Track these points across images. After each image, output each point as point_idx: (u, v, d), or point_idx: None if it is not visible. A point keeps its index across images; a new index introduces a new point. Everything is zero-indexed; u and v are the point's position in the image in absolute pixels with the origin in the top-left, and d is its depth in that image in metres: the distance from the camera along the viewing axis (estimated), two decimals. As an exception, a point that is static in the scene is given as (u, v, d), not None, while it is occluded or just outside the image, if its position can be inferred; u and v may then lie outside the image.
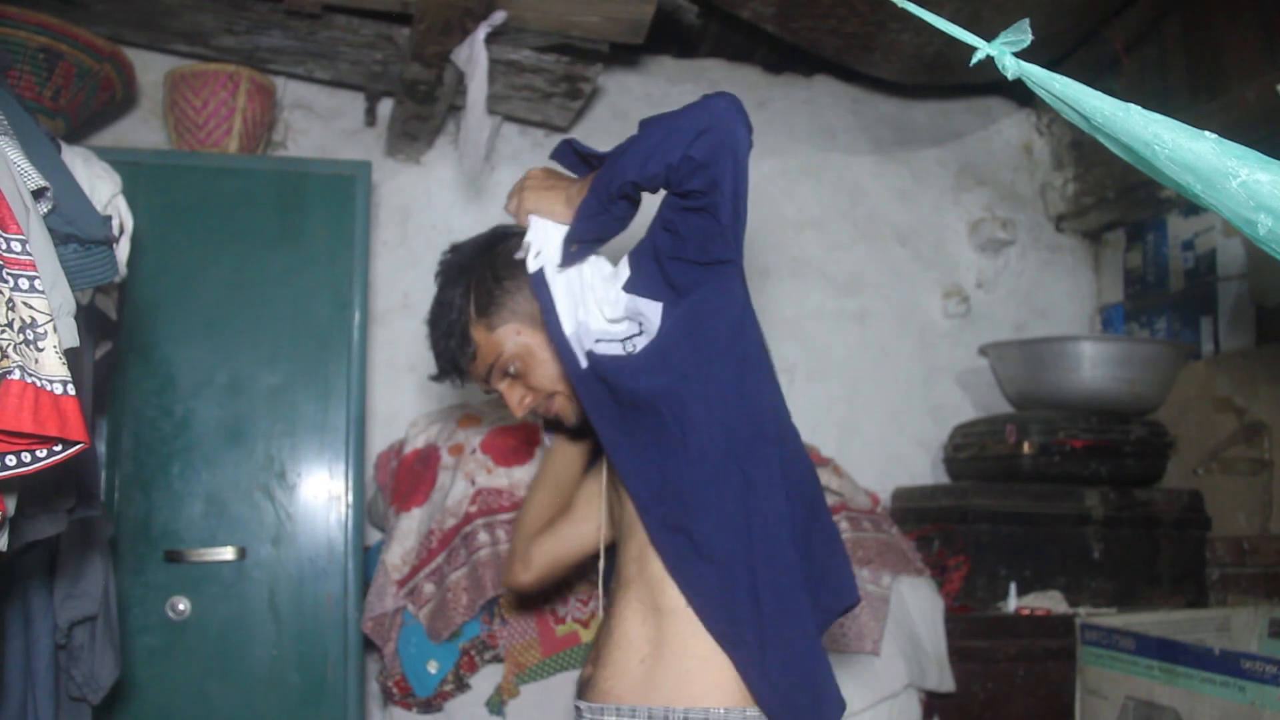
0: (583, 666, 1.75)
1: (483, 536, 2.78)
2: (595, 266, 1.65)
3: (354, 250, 2.88)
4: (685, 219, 1.53)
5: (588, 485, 1.95)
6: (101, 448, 2.66)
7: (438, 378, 1.81)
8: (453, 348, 1.75)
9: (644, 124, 1.56)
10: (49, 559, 2.03)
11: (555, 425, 1.89)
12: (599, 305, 1.61)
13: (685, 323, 1.55)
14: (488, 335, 1.73)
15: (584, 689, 1.66)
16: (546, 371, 1.73)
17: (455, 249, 1.83)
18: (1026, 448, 3.45)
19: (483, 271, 1.76)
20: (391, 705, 2.83)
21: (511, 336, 1.73)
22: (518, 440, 2.97)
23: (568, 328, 1.62)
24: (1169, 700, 2.73)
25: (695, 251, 1.55)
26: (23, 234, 1.29)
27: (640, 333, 1.58)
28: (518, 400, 1.77)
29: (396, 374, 3.60)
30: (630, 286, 1.60)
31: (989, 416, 3.80)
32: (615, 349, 1.58)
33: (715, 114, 1.53)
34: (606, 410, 1.60)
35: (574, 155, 1.72)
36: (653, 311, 1.56)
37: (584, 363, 1.61)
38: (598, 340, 1.60)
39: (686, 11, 3.55)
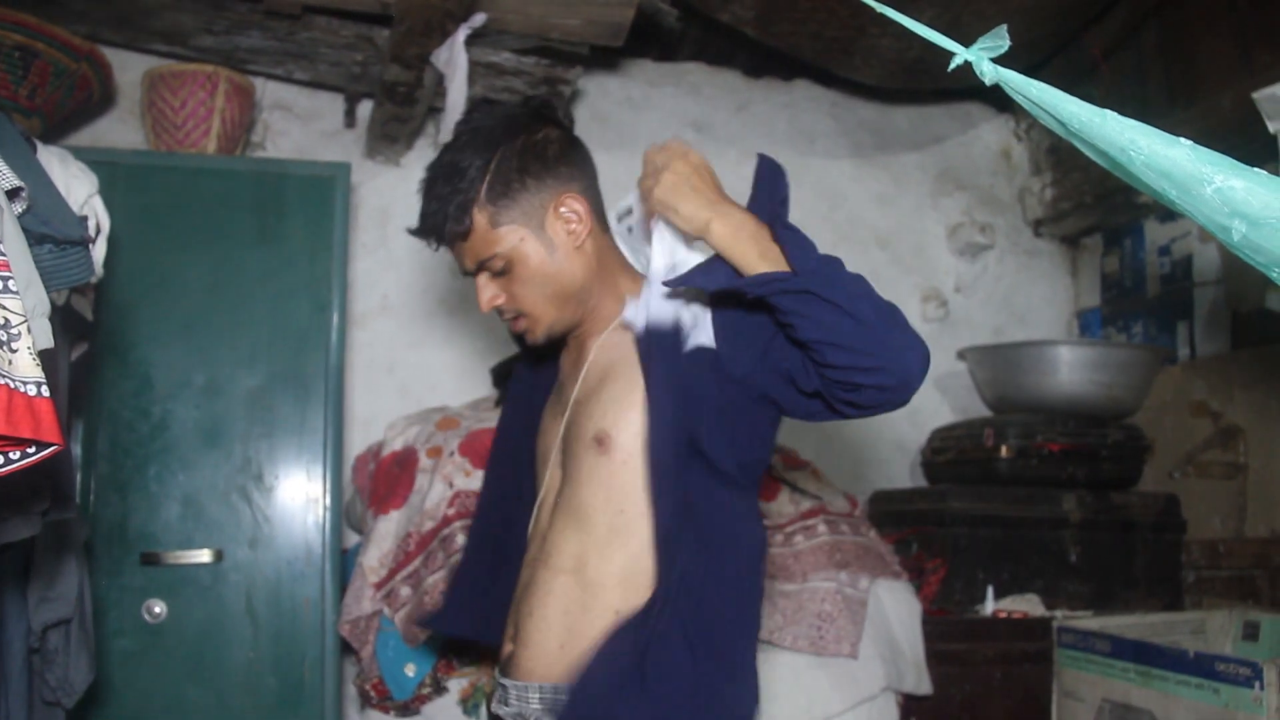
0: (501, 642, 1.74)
1: (461, 539, 2.77)
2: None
3: (333, 252, 2.87)
4: (822, 385, 1.46)
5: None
6: (77, 449, 2.64)
7: (417, 233, 1.70)
8: (446, 215, 1.63)
9: (847, 281, 1.48)
10: (23, 562, 2.01)
11: (519, 339, 1.80)
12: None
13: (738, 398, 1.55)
14: (488, 227, 1.63)
15: (506, 666, 1.68)
16: (532, 289, 1.66)
17: (488, 112, 1.70)
18: (1004, 451, 3.47)
19: (510, 155, 1.65)
20: (369, 708, 2.82)
21: (512, 239, 1.64)
22: (497, 443, 2.96)
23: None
24: (1144, 702, 2.74)
25: (788, 400, 1.54)
26: (-3, 234, 1.28)
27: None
28: (489, 298, 1.68)
29: (375, 376, 3.59)
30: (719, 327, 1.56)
31: (967, 420, 3.81)
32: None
33: (914, 363, 1.42)
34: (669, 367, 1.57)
35: (766, 181, 1.65)
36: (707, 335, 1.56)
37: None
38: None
39: (667, 15, 3.55)
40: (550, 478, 1.73)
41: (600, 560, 1.59)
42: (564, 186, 1.67)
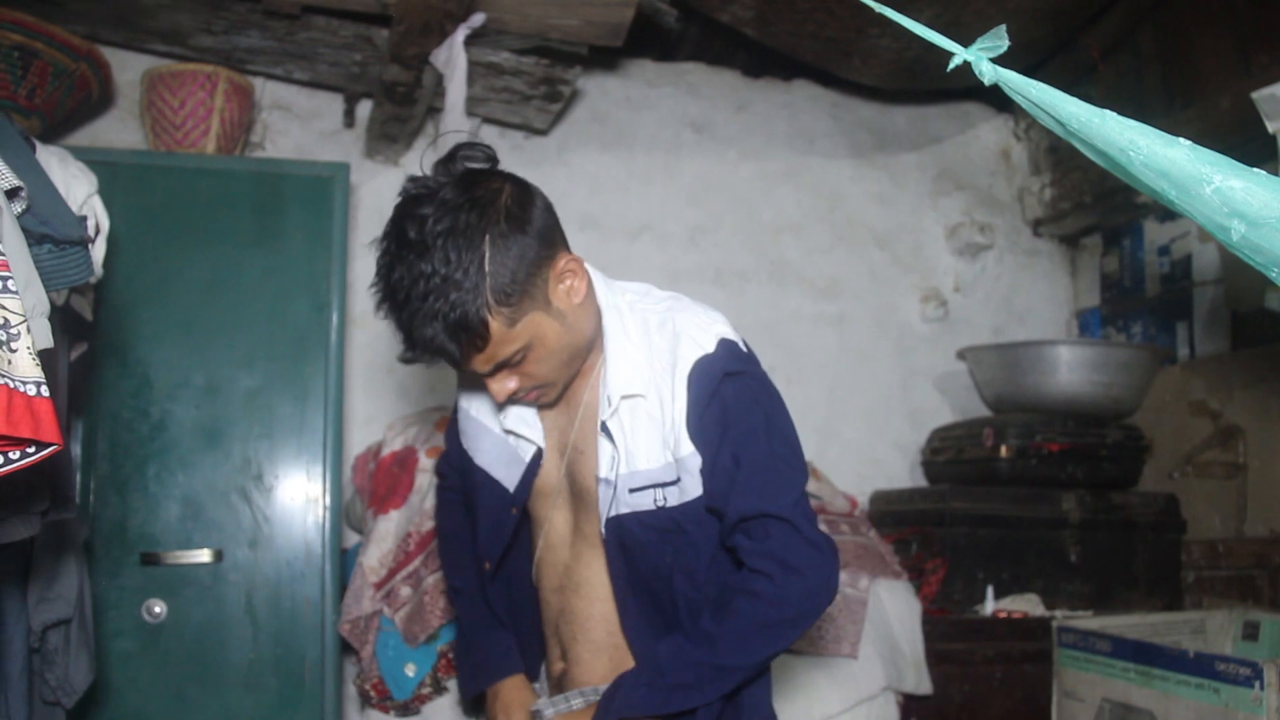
0: (548, 663, 1.78)
1: (461, 539, 2.77)
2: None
3: (332, 252, 2.87)
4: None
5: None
6: (77, 450, 2.64)
7: (411, 360, 1.54)
8: (457, 334, 1.45)
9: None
10: (23, 562, 2.01)
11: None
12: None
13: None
14: (506, 330, 1.48)
15: (562, 682, 1.72)
16: (551, 363, 1.56)
17: (432, 195, 1.48)
18: (1004, 451, 3.47)
19: (500, 244, 1.46)
20: (369, 708, 2.82)
21: (530, 329, 1.51)
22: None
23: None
24: (1144, 702, 2.74)
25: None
26: (-4, 234, 1.28)
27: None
28: (504, 389, 1.56)
29: (375, 376, 3.59)
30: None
31: (966, 420, 3.81)
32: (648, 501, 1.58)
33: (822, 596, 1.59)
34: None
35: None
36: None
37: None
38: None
39: (666, 15, 3.55)
40: (556, 512, 1.72)
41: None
42: (550, 247, 1.54)
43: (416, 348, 1.48)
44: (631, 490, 1.56)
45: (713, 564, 1.60)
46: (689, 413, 1.53)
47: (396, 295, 1.46)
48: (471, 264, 1.43)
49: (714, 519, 1.57)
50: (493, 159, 1.59)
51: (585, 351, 1.63)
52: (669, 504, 1.56)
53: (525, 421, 1.71)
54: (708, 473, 1.54)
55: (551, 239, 1.55)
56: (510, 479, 1.74)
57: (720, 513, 1.55)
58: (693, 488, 1.55)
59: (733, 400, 1.55)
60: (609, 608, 1.65)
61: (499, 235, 1.46)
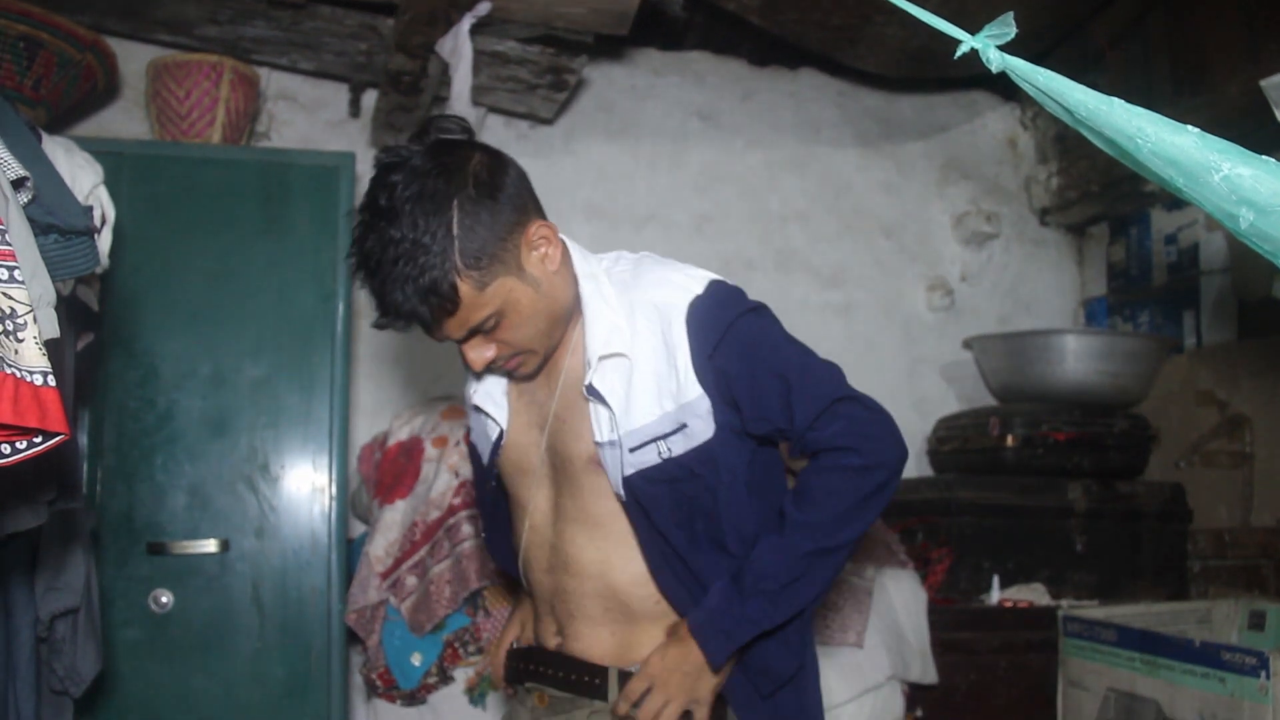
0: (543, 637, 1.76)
1: (466, 529, 2.78)
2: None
3: (338, 241, 2.87)
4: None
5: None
6: (83, 439, 2.64)
7: (384, 326, 1.53)
8: (426, 299, 1.46)
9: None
10: (30, 551, 2.01)
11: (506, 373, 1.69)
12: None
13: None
14: (476, 294, 1.48)
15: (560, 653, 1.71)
16: (527, 330, 1.56)
17: (408, 167, 1.49)
18: (1010, 441, 3.46)
19: (469, 208, 1.48)
20: (375, 698, 2.83)
21: (501, 294, 1.51)
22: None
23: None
24: (1150, 692, 2.74)
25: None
26: (2, 224, 1.28)
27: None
28: (484, 357, 1.56)
29: (381, 366, 3.59)
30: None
31: (973, 409, 3.81)
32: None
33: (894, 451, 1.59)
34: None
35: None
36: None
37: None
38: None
39: (672, 3, 3.55)
40: (538, 491, 1.71)
41: (624, 563, 1.62)
42: (523, 214, 1.55)
43: (389, 314, 1.49)
44: (631, 449, 1.56)
45: (733, 503, 1.59)
46: (694, 356, 1.54)
47: (369, 262, 1.48)
48: (439, 228, 1.45)
49: (727, 458, 1.57)
50: (467, 130, 1.60)
51: (564, 320, 1.62)
52: (675, 453, 1.55)
53: (492, 398, 1.72)
54: (751, 404, 1.55)
55: (523, 206, 1.55)
56: (486, 454, 1.77)
57: (784, 430, 1.56)
58: (701, 431, 1.55)
59: (754, 332, 1.57)
60: (604, 584, 1.63)
61: (467, 200, 1.48)
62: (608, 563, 1.63)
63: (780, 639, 1.59)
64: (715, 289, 1.58)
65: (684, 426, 1.55)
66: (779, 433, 1.58)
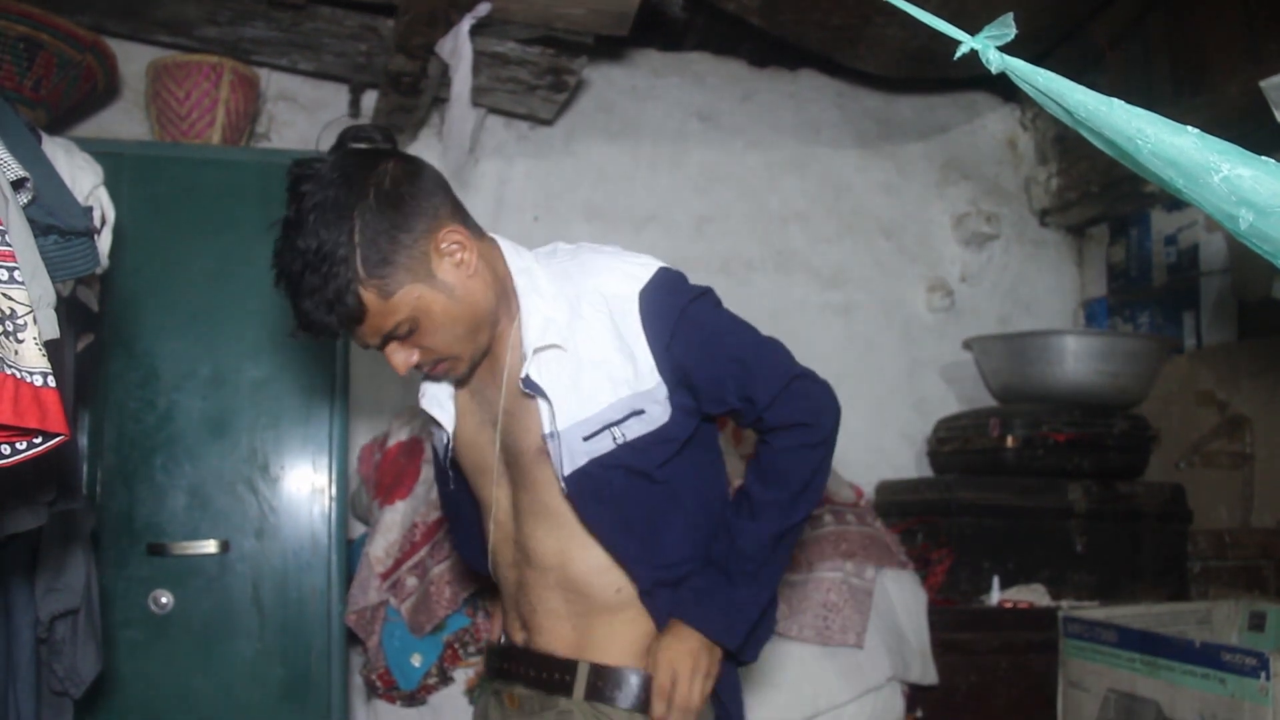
0: (509, 633, 1.78)
1: (467, 529, 2.78)
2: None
3: (338, 242, 2.86)
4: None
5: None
6: (83, 440, 2.64)
7: (302, 335, 1.58)
8: (332, 308, 1.49)
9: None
10: (30, 552, 2.02)
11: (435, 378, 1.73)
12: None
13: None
14: (382, 302, 1.50)
15: (527, 649, 1.72)
16: (444, 335, 1.57)
17: (315, 176, 1.51)
18: (1010, 441, 3.46)
19: (370, 217, 1.49)
20: (375, 699, 2.83)
21: (409, 300, 1.52)
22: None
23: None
24: (1150, 692, 2.74)
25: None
26: (2, 225, 1.28)
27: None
28: (404, 361, 1.59)
29: (381, 366, 3.56)
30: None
31: (973, 410, 3.81)
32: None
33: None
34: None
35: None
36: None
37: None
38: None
39: (672, 4, 3.55)
40: (498, 488, 1.71)
41: (583, 552, 1.64)
42: (433, 221, 1.55)
43: (301, 323, 1.54)
44: (585, 438, 1.57)
45: (684, 465, 1.64)
46: (651, 345, 1.57)
47: (283, 274, 1.53)
48: (340, 236, 1.47)
49: (679, 433, 1.61)
50: (390, 139, 1.62)
51: (490, 323, 1.63)
52: (629, 438, 1.57)
53: (438, 401, 1.75)
54: (709, 388, 1.60)
55: (434, 213, 1.56)
56: (441, 452, 1.81)
57: (740, 411, 1.63)
58: (659, 416, 1.58)
59: (706, 318, 1.62)
60: (564, 575, 1.65)
61: (368, 209, 1.49)
62: (565, 553, 1.65)
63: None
64: (661, 277, 1.61)
65: (640, 412, 1.58)
66: (734, 413, 1.64)
